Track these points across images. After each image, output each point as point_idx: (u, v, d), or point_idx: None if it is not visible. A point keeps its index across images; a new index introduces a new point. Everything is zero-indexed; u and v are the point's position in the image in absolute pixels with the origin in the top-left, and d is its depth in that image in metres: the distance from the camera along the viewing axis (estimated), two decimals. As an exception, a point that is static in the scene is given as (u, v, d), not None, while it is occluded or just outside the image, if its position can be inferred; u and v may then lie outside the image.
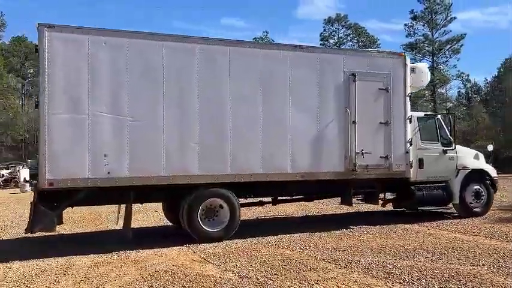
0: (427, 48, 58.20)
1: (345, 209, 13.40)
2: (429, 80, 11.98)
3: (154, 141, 8.91)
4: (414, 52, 56.96)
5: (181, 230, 9.73)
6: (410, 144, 10.95)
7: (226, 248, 8.69)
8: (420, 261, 7.28)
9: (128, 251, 8.46)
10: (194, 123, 9.17)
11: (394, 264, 7.13)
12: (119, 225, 9.63)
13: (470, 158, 12.12)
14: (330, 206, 14.98)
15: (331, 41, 70.33)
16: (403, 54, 11.06)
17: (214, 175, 9.28)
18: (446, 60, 58.35)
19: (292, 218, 12.98)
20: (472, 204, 11.78)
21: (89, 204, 9.78)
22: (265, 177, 9.67)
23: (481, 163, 12.27)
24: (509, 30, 79.84)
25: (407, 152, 10.85)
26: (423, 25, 58.75)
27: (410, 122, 11.01)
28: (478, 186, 11.84)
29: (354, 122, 10.35)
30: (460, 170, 11.69)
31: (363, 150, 10.38)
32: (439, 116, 12.18)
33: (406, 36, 59.49)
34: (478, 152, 12.51)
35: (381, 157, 10.60)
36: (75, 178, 8.38)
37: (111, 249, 8.54)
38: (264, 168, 9.64)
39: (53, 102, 8.26)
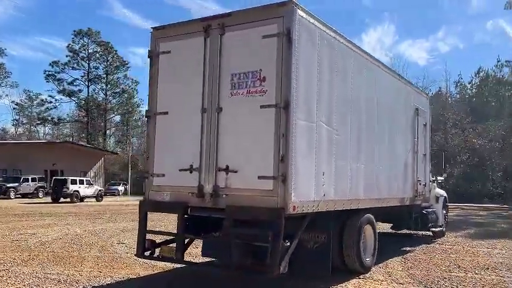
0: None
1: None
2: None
3: (346, 159, 7.85)
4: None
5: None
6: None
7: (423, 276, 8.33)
8: None
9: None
10: (361, 141, 8.48)
11: None
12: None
13: (436, 186, 14.49)
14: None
15: (81, 54, 66.55)
16: (428, 94, 12.66)
17: (371, 199, 8.73)
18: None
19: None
20: (442, 227, 14.09)
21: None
22: (386, 202, 9.59)
23: (442, 190, 14.80)
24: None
25: (431, 181, 12.40)
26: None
27: (426, 154, 12.64)
28: (445, 211, 14.29)
29: (416, 152, 11.29)
30: (438, 197, 13.88)
31: (418, 178, 11.39)
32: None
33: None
34: (432, 180, 15.01)
35: (423, 185, 11.80)
36: (307, 201, 6.64)
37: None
38: (388, 192, 9.57)
39: (297, 104, 6.43)
